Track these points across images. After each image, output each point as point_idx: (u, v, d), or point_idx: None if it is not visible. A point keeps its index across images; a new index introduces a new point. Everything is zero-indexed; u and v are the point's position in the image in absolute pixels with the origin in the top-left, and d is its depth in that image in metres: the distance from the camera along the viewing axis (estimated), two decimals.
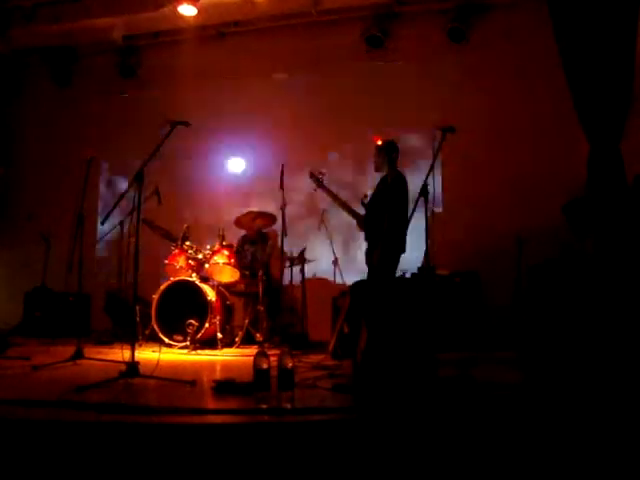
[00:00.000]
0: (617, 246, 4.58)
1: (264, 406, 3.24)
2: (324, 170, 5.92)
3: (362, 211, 5.57)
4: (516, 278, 6.44)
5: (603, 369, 3.94)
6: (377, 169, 5.51)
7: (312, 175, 5.87)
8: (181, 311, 6.26)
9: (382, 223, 5.13)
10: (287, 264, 7.03)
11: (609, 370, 3.91)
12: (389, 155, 5.43)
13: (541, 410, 3.21)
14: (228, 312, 6.82)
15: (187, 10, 7.27)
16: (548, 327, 4.59)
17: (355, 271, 6.09)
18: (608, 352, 4.06)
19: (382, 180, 5.40)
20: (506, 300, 6.57)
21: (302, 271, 7.10)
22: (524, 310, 5.92)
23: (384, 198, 5.21)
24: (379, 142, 5.50)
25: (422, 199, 4.14)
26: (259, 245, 7.13)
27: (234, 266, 6.65)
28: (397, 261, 5.19)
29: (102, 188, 8.84)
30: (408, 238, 5.11)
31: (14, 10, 7.87)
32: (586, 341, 4.19)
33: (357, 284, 4.70)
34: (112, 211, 4.58)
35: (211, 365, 5.43)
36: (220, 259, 6.60)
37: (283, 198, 6.73)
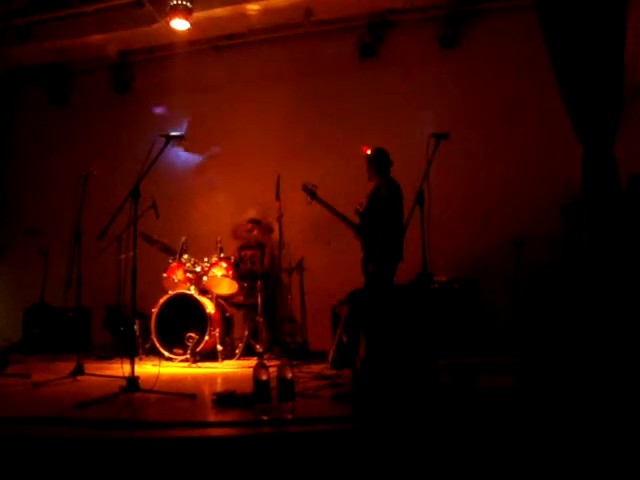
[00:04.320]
0: (613, 248, 4.59)
1: (265, 417, 3.24)
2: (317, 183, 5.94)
3: (357, 220, 5.59)
4: (514, 283, 6.45)
5: (601, 374, 3.94)
6: (370, 178, 5.53)
7: (305, 188, 5.90)
8: (180, 324, 6.26)
9: (377, 231, 5.14)
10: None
11: (608, 374, 3.91)
12: (379, 163, 5.45)
13: (541, 415, 3.22)
14: (227, 324, 6.81)
15: (180, 24, 7.29)
16: (546, 332, 4.59)
17: (353, 280, 6.07)
18: (606, 356, 4.06)
19: (376, 188, 5.42)
20: (505, 305, 6.57)
21: (301, 281, 7.11)
22: (523, 315, 5.92)
23: (378, 206, 5.23)
24: (368, 152, 5.53)
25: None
26: (257, 254, 7.13)
27: (232, 278, 6.65)
28: (394, 269, 5.19)
29: (99, 203, 8.83)
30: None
31: (8, 29, 7.92)
32: (584, 346, 4.20)
33: (354, 293, 4.71)
34: (109, 226, 4.58)
35: (211, 378, 5.43)
36: (218, 271, 6.60)
37: (279, 208, 6.78)
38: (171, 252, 6.86)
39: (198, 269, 6.71)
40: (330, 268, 7.36)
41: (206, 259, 6.76)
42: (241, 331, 6.88)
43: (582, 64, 4.72)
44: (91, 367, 5.30)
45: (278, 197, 6.77)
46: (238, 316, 7.19)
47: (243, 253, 7.17)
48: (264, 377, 3.34)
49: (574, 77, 4.80)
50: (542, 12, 5.03)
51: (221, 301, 6.81)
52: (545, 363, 4.42)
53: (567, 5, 4.77)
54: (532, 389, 4.04)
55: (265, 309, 6.67)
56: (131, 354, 4.33)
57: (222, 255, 6.73)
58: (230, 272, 6.64)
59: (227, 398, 3.74)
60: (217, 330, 6.32)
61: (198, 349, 6.16)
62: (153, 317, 6.33)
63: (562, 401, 3.49)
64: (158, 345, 6.26)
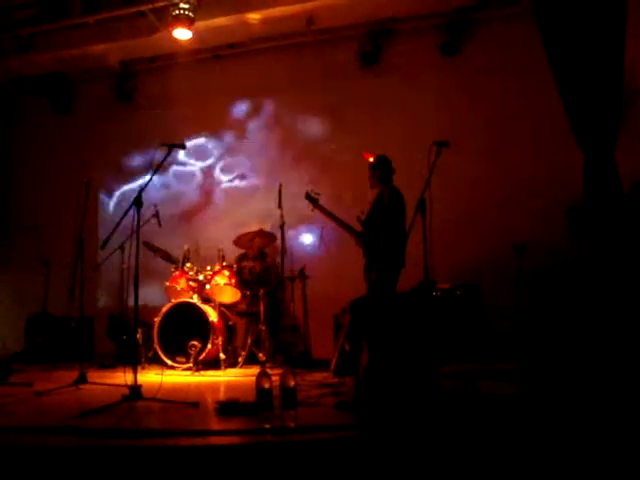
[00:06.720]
0: (615, 253, 4.59)
1: (268, 426, 3.24)
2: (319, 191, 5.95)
3: (359, 228, 5.59)
4: (516, 289, 6.44)
5: (605, 379, 3.93)
6: (372, 186, 5.53)
7: (308, 196, 5.91)
8: (183, 333, 6.26)
9: (379, 239, 5.14)
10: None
11: (611, 380, 3.90)
12: (382, 171, 5.45)
13: (543, 422, 3.21)
14: (230, 332, 6.81)
15: (182, 34, 7.33)
16: (549, 337, 4.59)
17: (356, 288, 6.06)
18: (609, 361, 4.05)
19: (378, 196, 5.43)
20: (509, 311, 6.56)
21: (303, 289, 7.11)
22: (526, 320, 5.91)
23: (381, 214, 5.23)
24: (371, 159, 5.53)
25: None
26: (258, 261, 7.12)
27: (235, 286, 6.65)
28: (396, 277, 5.18)
29: (101, 212, 8.87)
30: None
31: (11, 40, 7.97)
32: (587, 350, 4.19)
33: (357, 301, 4.71)
34: (112, 235, 4.59)
35: (214, 386, 5.43)
36: (221, 280, 6.60)
37: (282, 216, 6.78)
38: (173, 261, 6.87)
39: (201, 277, 6.71)
40: (332, 276, 7.36)
41: (209, 267, 6.77)
42: (244, 339, 6.87)
43: (581, 71, 4.73)
44: (94, 376, 5.30)
45: (280, 205, 6.78)
46: (241, 324, 7.19)
47: (243, 264, 7.17)
48: (267, 385, 3.34)
49: (573, 84, 4.81)
50: (541, 20, 5.05)
51: (224, 309, 6.81)
52: (547, 369, 4.41)
53: (566, 12, 4.78)
54: (535, 395, 4.03)
55: (268, 317, 6.66)
56: (134, 363, 4.33)
57: (224, 263, 6.74)
58: (233, 280, 6.64)
59: (230, 406, 3.74)
60: (220, 338, 6.31)
61: (201, 357, 6.16)
62: (156, 326, 6.33)
63: (565, 407, 3.48)
64: (161, 354, 6.26)
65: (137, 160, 8.77)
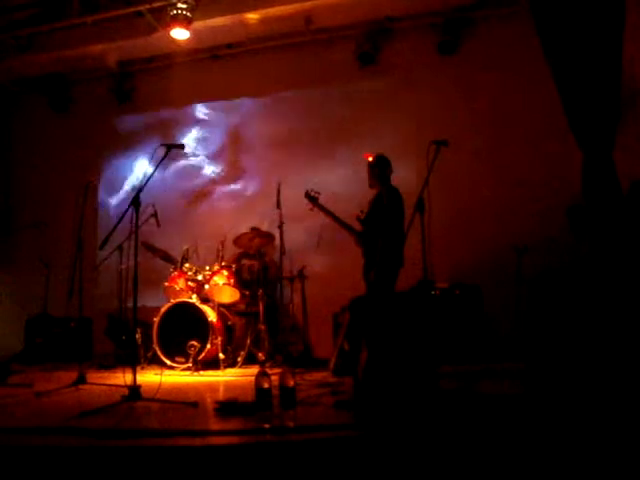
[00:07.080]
0: (615, 253, 4.59)
1: (267, 425, 3.24)
2: (319, 190, 5.95)
3: (359, 227, 5.59)
4: (516, 289, 6.44)
5: (607, 380, 3.93)
6: (372, 185, 5.54)
7: (307, 195, 5.92)
8: (182, 333, 6.26)
9: (378, 239, 5.15)
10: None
11: (612, 379, 3.90)
12: (382, 170, 5.46)
13: (544, 422, 3.21)
14: (229, 332, 6.81)
15: (180, 34, 7.34)
16: (549, 337, 4.58)
17: (355, 287, 6.07)
18: (610, 360, 4.05)
19: (377, 195, 5.43)
20: (508, 311, 6.56)
21: (302, 288, 7.12)
22: (526, 321, 5.90)
23: (380, 213, 5.23)
24: (370, 158, 5.54)
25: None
26: (257, 261, 7.13)
27: (234, 286, 6.65)
28: (395, 276, 5.19)
29: (100, 212, 8.87)
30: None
31: (10, 40, 7.97)
32: (588, 349, 4.19)
33: (356, 301, 4.71)
34: (110, 235, 4.59)
35: (214, 386, 5.43)
36: (220, 280, 6.61)
37: (280, 216, 6.79)
38: (172, 261, 6.87)
39: (200, 277, 6.72)
40: (331, 276, 7.37)
41: (208, 267, 6.77)
42: (243, 339, 6.88)
43: (579, 70, 4.72)
44: (93, 376, 5.31)
45: (279, 205, 6.78)
46: (240, 324, 7.19)
47: (242, 262, 7.17)
48: (266, 385, 3.35)
49: (571, 83, 4.80)
50: (538, 19, 5.04)
51: (223, 309, 6.81)
52: (549, 369, 4.41)
53: (563, 11, 4.77)
54: (536, 395, 4.03)
55: (267, 317, 6.66)
56: (133, 363, 4.34)
57: (224, 263, 6.74)
58: (231, 280, 6.65)
59: (229, 406, 3.74)
60: (219, 338, 6.32)
61: (200, 357, 6.16)
62: (155, 326, 6.33)
63: (567, 407, 3.49)
64: (160, 354, 6.27)
65: (136, 160, 8.77)
